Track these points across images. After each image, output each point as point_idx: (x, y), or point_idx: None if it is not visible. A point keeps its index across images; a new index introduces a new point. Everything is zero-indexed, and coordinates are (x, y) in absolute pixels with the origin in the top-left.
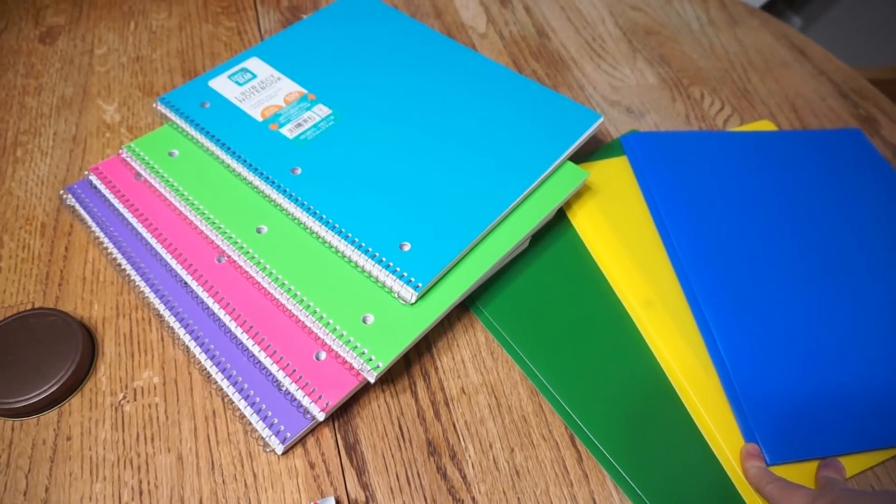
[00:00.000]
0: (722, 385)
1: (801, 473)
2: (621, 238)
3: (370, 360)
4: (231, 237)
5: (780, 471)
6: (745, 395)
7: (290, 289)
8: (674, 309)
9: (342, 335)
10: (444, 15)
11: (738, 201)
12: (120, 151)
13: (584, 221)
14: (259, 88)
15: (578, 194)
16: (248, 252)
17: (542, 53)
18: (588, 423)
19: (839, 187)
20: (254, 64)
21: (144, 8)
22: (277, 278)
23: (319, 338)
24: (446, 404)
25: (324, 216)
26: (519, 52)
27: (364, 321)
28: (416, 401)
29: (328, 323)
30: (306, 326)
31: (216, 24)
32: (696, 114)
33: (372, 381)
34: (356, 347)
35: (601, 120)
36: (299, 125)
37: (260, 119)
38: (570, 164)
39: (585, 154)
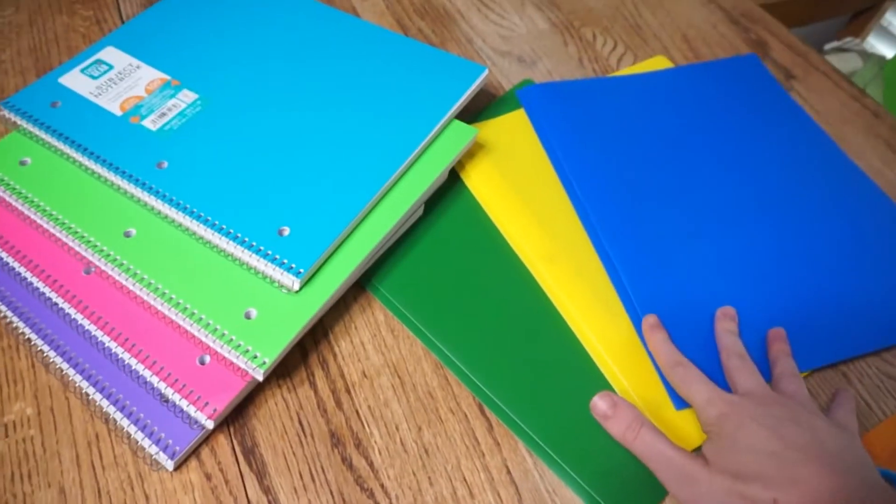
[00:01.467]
0: (629, 317)
1: None
2: (518, 195)
3: (255, 357)
4: (96, 246)
5: None
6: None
7: (164, 293)
8: (577, 263)
9: (223, 335)
10: None
11: (639, 144)
12: None
13: (478, 182)
14: (116, 80)
15: (470, 154)
16: (115, 259)
17: (427, 10)
18: (495, 390)
19: (738, 117)
20: (109, 54)
21: None
22: (150, 283)
23: (201, 341)
24: (347, 391)
25: (194, 210)
26: (403, 11)
27: (247, 317)
28: (316, 392)
29: (208, 324)
30: (186, 331)
31: (71, 14)
32: (588, 56)
33: (260, 378)
34: (239, 346)
35: (486, 73)
36: (163, 115)
37: (119, 113)
38: (458, 122)
39: (479, 110)
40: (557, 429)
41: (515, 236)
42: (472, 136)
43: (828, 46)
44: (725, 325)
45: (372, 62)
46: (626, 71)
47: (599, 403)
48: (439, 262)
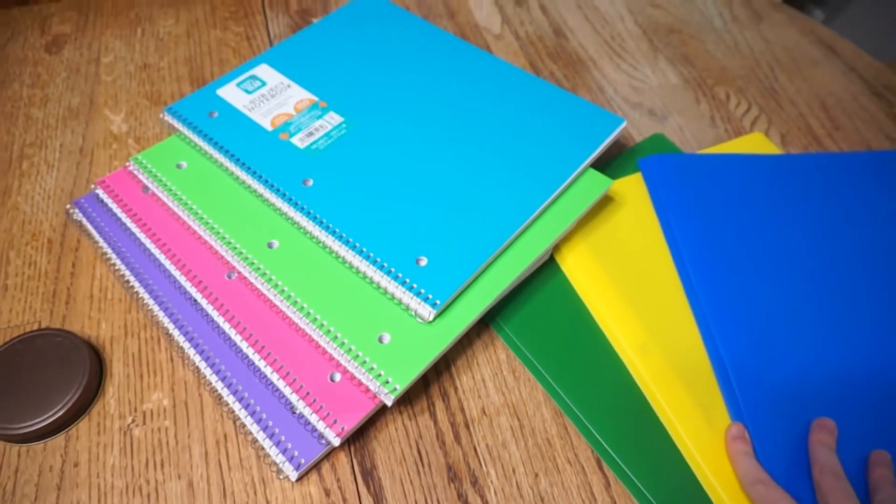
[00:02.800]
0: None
1: None
2: (612, 280)
3: (387, 382)
4: (241, 253)
5: None
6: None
7: (302, 307)
8: (671, 355)
9: (357, 356)
10: (458, 15)
11: (765, 231)
12: (127, 164)
13: (571, 262)
14: (269, 96)
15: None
16: (258, 268)
17: (560, 54)
18: (616, 448)
19: (885, 218)
20: (263, 71)
21: (151, 14)
22: (289, 296)
23: (334, 358)
24: (466, 426)
25: (337, 230)
26: (535, 54)
27: (380, 340)
28: (435, 423)
29: (343, 343)
30: (320, 346)
31: (224, 29)
32: (721, 115)
33: (389, 404)
34: (372, 369)
35: (624, 124)
36: (311, 134)
37: (270, 128)
38: (593, 171)
39: (607, 160)
40: (679, 497)
41: (605, 320)
42: (606, 186)
43: None
44: (821, 436)
45: (512, 102)
46: (722, 147)
47: None
48: (563, 309)
